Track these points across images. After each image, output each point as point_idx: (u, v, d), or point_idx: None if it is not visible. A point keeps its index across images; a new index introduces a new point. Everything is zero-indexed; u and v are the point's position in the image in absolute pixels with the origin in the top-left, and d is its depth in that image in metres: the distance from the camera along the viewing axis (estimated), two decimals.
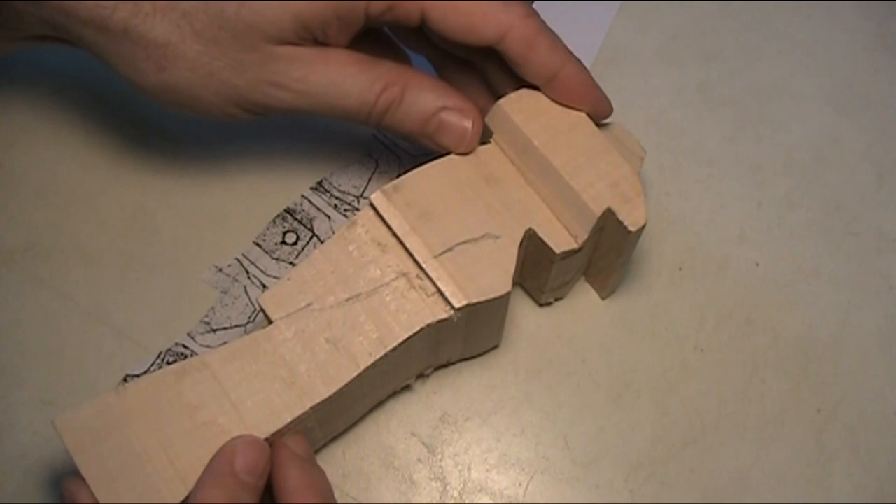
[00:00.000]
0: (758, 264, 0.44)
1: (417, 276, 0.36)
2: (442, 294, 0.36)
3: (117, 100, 0.46)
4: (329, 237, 0.42)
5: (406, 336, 0.35)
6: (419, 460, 0.40)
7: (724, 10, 0.50)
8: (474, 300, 0.36)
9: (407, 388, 0.41)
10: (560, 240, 0.38)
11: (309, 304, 0.36)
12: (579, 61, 0.39)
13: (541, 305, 0.42)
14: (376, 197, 0.37)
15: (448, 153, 0.39)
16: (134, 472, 0.33)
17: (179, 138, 0.45)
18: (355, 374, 0.35)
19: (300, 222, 0.44)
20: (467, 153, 0.39)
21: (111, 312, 0.42)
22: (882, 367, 0.42)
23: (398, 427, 0.41)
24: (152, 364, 0.41)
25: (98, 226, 0.44)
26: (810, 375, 0.42)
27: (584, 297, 0.43)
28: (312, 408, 0.34)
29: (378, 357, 0.35)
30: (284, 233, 0.44)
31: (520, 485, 0.40)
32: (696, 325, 0.43)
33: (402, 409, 0.41)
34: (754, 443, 0.41)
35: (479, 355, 0.41)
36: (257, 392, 0.34)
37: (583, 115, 0.39)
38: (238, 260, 0.43)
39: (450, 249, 0.36)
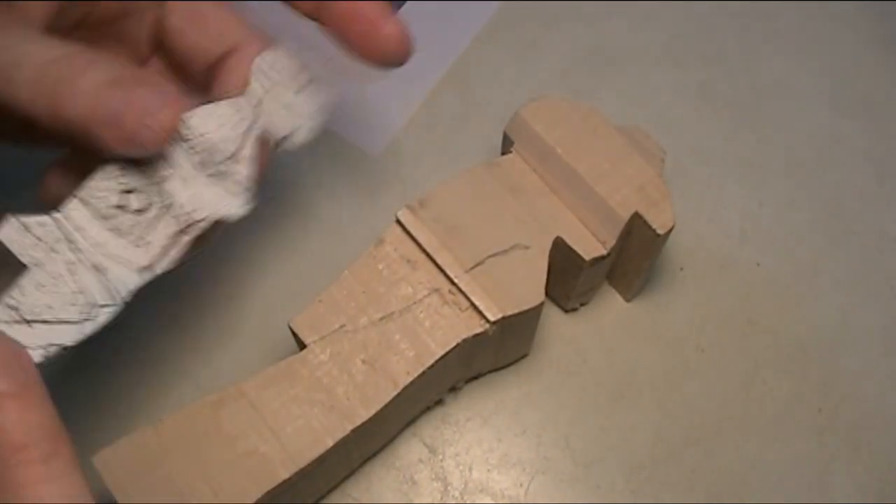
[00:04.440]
0: (758, 264, 0.44)
1: (450, 292, 0.36)
2: (476, 308, 0.36)
3: None
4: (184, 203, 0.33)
5: (443, 352, 0.35)
6: (420, 460, 0.40)
7: (725, 10, 0.50)
8: (509, 312, 0.36)
9: (439, 402, 0.41)
10: (588, 246, 0.37)
11: (342, 326, 0.35)
12: None
13: (566, 311, 0.42)
14: (402, 214, 0.37)
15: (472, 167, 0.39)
16: None
17: None
18: (394, 393, 0.34)
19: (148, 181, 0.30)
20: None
21: None
22: (883, 366, 0.42)
23: None
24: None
25: None
26: (811, 375, 0.42)
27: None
28: (353, 430, 0.34)
29: (416, 375, 0.35)
30: (123, 192, 0.30)
31: (521, 485, 0.40)
32: (697, 326, 0.43)
33: None
34: (755, 443, 0.41)
35: (509, 365, 0.41)
36: (296, 418, 0.34)
37: (602, 119, 0.39)
38: (55, 219, 0.29)
39: (480, 263, 0.36)
